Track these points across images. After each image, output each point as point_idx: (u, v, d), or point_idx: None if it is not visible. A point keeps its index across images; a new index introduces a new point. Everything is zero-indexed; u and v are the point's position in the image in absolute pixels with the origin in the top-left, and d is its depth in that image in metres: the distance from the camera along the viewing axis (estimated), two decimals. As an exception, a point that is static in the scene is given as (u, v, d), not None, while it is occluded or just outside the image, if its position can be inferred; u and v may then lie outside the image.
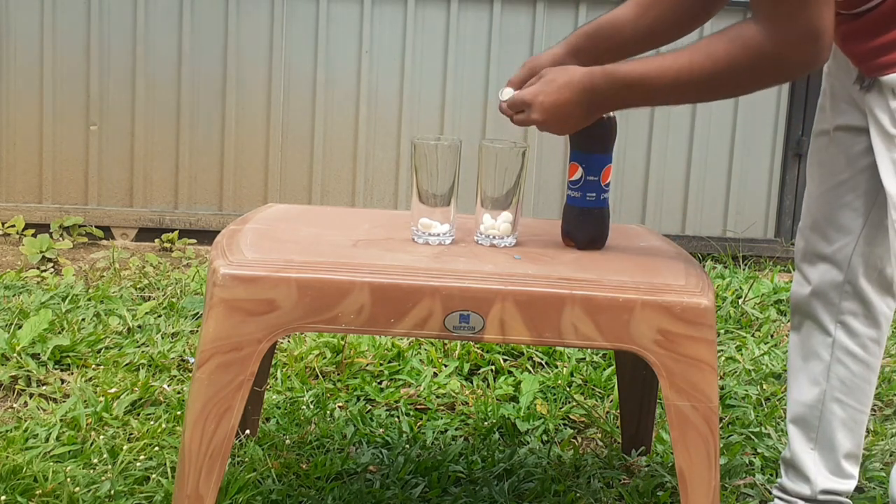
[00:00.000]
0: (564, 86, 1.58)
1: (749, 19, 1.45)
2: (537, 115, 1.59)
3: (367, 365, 2.62)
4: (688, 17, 1.78)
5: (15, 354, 2.53)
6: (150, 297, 3.17)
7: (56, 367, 2.55)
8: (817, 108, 1.84)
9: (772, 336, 3.08)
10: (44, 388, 2.42)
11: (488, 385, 2.58)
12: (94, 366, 2.56)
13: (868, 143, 1.68)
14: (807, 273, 1.86)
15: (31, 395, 2.39)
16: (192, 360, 2.60)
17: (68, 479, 1.93)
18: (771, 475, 2.18)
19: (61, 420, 2.21)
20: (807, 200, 1.86)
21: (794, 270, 1.91)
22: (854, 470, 1.91)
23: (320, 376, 2.56)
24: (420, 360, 2.66)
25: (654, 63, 1.52)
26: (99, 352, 2.65)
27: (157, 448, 2.09)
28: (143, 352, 2.63)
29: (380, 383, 2.56)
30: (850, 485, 1.91)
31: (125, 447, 2.08)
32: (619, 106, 1.61)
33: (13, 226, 3.87)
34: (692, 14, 1.77)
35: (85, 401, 2.30)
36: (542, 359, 2.72)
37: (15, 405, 2.35)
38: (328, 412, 2.35)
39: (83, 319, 2.87)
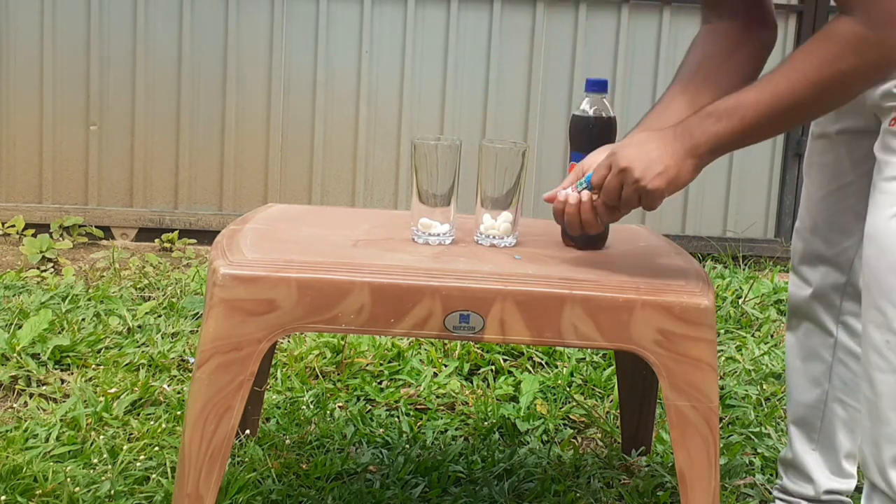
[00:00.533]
0: (656, 141, 1.44)
1: (836, 17, 1.36)
2: (638, 181, 1.43)
3: (367, 365, 2.62)
4: (738, 77, 1.63)
5: (15, 354, 2.53)
6: (150, 297, 3.17)
7: (56, 367, 2.54)
8: None
9: (772, 336, 3.08)
10: (44, 388, 2.42)
11: (488, 385, 2.58)
12: (94, 366, 2.56)
13: (871, 143, 1.67)
14: (806, 275, 1.85)
15: (31, 395, 2.39)
16: (192, 360, 2.60)
17: (68, 479, 1.93)
18: (771, 475, 2.18)
19: (61, 420, 2.21)
20: (806, 203, 1.84)
21: (791, 273, 1.90)
22: (853, 469, 1.91)
23: (320, 376, 2.56)
24: (420, 360, 2.66)
25: (746, 89, 1.41)
26: (99, 352, 2.65)
27: (157, 448, 2.09)
28: (143, 352, 2.63)
29: (380, 383, 2.56)
30: (850, 484, 1.91)
31: (125, 447, 2.08)
32: (717, 145, 1.43)
33: (13, 226, 3.87)
34: (741, 73, 1.64)
35: (85, 401, 2.30)
36: (542, 359, 2.72)
37: (15, 405, 2.35)
38: (328, 412, 2.35)
39: (83, 319, 2.87)
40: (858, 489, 1.98)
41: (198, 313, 2.96)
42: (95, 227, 3.94)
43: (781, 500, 1.96)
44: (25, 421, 2.21)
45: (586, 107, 1.70)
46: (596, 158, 1.58)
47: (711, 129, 1.43)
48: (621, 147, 1.49)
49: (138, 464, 2.02)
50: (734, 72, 1.65)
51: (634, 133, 1.58)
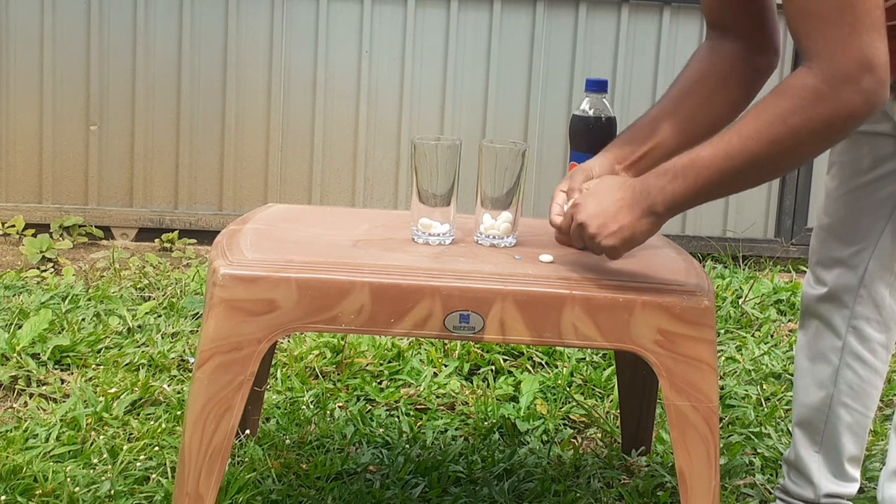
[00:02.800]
0: (616, 202, 1.44)
1: (796, 70, 1.32)
2: (598, 239, 1.44)
3: (367, 365, 2.62)
4: (728, 105, 1.64)
5: (15, 354, 2.53)
6: (150, 297, 3.17)
7: (56, 367, 2.55)
8: None
9: (772, 336, 3.08)
10: (44, 388, 2.42)
11: (488, 385, 2.58)
12: (94, 366, 2.56)
13: (894, 146, 1.67)
14: (821, 275, 1.84)
15: (31, 395, 2.39)
16: (192, 360, 2.60)
17: (68, 479, 1.93)
18: (771, 475, 2.18)
19: (61, 420, 2.21)
20: (825, 201, 1.83)
21: (808, 271, 1.89)
22: (857, 473, 1.91)
23: (320, 376, 2.56)
24: (420, 360, 2.66)
25: (703, 145, 1.37)
26: (99, 352, 2.65)
27: (157, 448, 2.09)
28: (143, 352, 2.63)
29: (380, 383, 2.56)
30: (852, 488, 1.91)
31: (125, 447, 2.08)
32: (674, 205, 1.41)
33: (13, 226, 3.87)
34: (732, 101, 1.64)
35: (85, 401, 2.30)
36: (542, 359, 2.72)
37: (15, 405, 2.35)
38: (328, 412, 2.35)
39: (83, 319, 2.87)
40: (859, 490, 1.99)
41: (198, 313, 2.96)
42: (95, 227, 3.94)
43: (782, 500, 1.96)
44: (25, 421, 2.22)
45: (586, 107, 1.71)
46: (593, 164, 1.59)
47: (668, 188, 1.39)
48: (585, 197, 1.48)
49: (138, 464, 2.02)
50: (726, 100, 1.63)
51: (615, 160, 1.59)
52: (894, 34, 1.57)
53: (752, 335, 3.08)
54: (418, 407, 2.44)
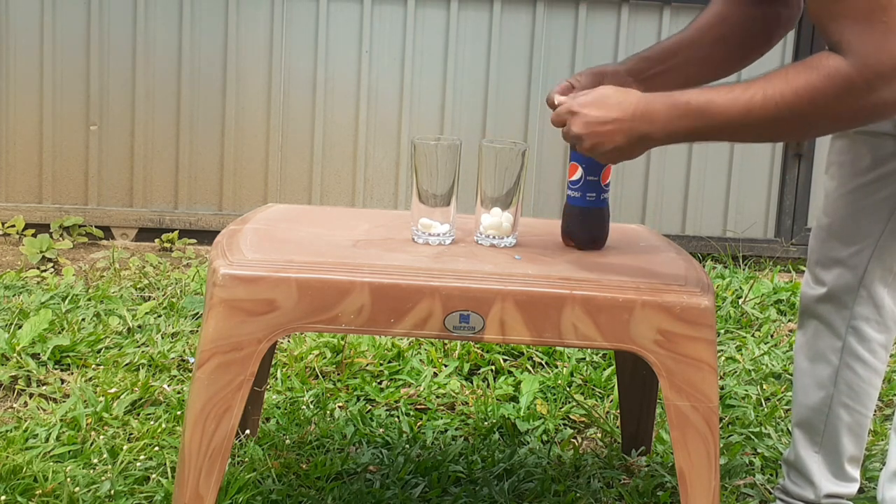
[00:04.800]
0: (616, 105, 1.44)
1: (829, 51, 1.32)
2: (577, 128, 1.46)
3: (367, 365, 2.62)
4: (748, 43, 1.68)
5: (15, 354, 2.53)
6: (150, 297, 3.17)
7: (56, 367, 2.55)
8: None
9: (772, 336, 3.08)
10: (44, 388, 2.42)
11: (488, 385, 2.58)
12: (94, 366, 2.56)
13: (894, 146, 1.67)
14: (820, 275, 1.84)
15: (31, 395, 2.39)
16: (192, 360, 2.60)
17: (68, 479, 1.93)
18: (771, 475, 2.18)
19: (61, 420, 2.21)
20: (824, 202, 1.83)
21: (806, 271, 1.89)
22: (856, 473, 1.91)
23: (320, 376, 2.56)
24: (420, 360, 2.66)
25: (721, 91, 1.37)
26: (99, 352, 2.65)
27: (157, 448, 2.09)
28: (143, 352, 2.63)
29: (380, 383, 2.56)
30: (852, 488, 1.91)
31: (125, 447, 2.08)
32: (672, 139, 1.42)
33: (13, 226, 3.87)
34: (752, 39, 1.68)
35: (85, 401, 2.30)
36: (542, 359, 2.72)
37: (15, 405, 2.35)
38: (328, 412, 2.35)
39: (83, 319, 2.87)
40: (859, 490, 1.99)
41: (198, 313, 2.96)
42: (95, 227, 3.94)
43: (782, 500, 1.96)
44: (25, 421, 2.22)
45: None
46: (607, 69, 1.64)
47: (673, 125, 1.40)
48: (592, 94, 1.48)
49: (138, 464, 2.02)
50: (745, 42, 1.67)
51: (631, 72, 1.64)
52: None
53: (752, 335, 3.08)
54: (418, 407, 2.44)
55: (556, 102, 1.57)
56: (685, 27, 1.73)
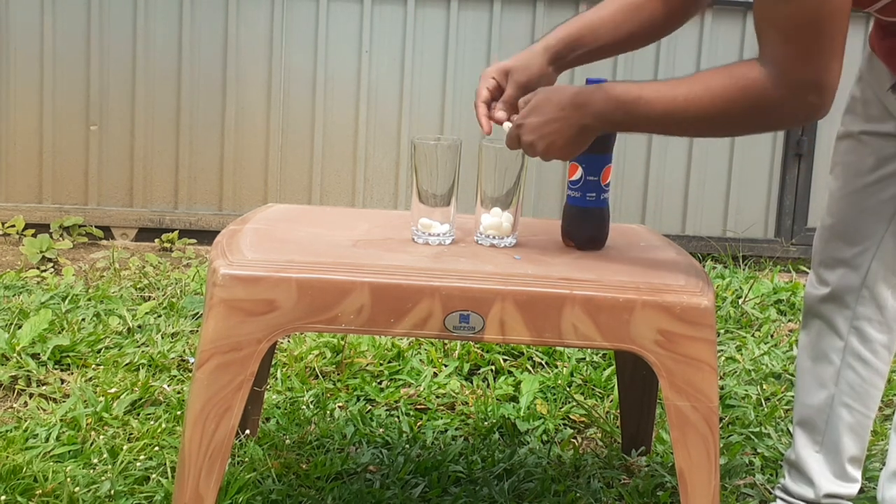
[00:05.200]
0: (554, 105, 1.52)
1: (754, 59, 1.39)
2: (527, 137, 1.54)
3: (367, 365, 2.62)
4: (666, 20, 1.74)
5: (15, 354, 2.53)
6: (150, 297, 3.17)
7: (56, 367, 2.54)
8: (844, 111, 1.81)
9: (772, 336, 3.08)
10: (44, 388, 2.42)
11: (488, 385, 2.58)
12: (94, 366, 2.56)
13: None
14: (824, 276, 1.84)
15: (31, 395, 2.39)
16: (192, 360, 2.60)
17: (68, 479, 1.93)
18: (771, 475, 2.18)
19: (61, 420, 2.21)
20: (828, 202, 1.83)
21: (811, 271, 1.89)
22: (857, 473, 1.91)
23: (320, 376, 2.56)
24: (420, 360, 2.66)
25: (650, 87, 1.46)
26: (99, 352, 2.65)
27: (157, 448, 2.09)
28: (143, 352, 2.63)
29: (380, 383, 2.56)
30: (853, 488, 1.91)
31: (125, 447, 2.08)
32: (612, 127, 1.54)
33: (13, 226, 3.87)
34: (671, 16, 1.73)
35: (85, 401, 2.30)
36: (542, 359, 2.72)
37: (15, 405, 2.35)
38: (328, 412, 2.35)
39: (83, 319, 2.87)
40: (861, 492, 1.98)
41: (198, 313, 2.96)
42: (95, 227, 3.95)
43: (782, 500, 1.96)
44: (25, 421, 2.21)
45: None
46: (529, 63, 1.71)
47: (608, 116, 1.48)
48: (527, 116, 1.55)
49: (138, 464, 2.02)
50: (649, 15, 1.72)
51: (552, 57, 1.72)
52: (892, 32, 1.57)
53: (752, 335, 3.08)
54: (418, 407, 2.44)
55: (504, 127, 1.64)
56: (600, 4, 1.77)
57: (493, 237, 1.65)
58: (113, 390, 2.37)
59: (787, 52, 1.34)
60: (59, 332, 2.73)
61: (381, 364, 2.63)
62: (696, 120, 1.42)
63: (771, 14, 1.35)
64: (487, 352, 2.72)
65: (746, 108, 1.38)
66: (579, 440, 2.32)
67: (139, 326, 2.86)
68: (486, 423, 2.34)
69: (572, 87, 1.54)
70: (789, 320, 3.25)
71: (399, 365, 2.63)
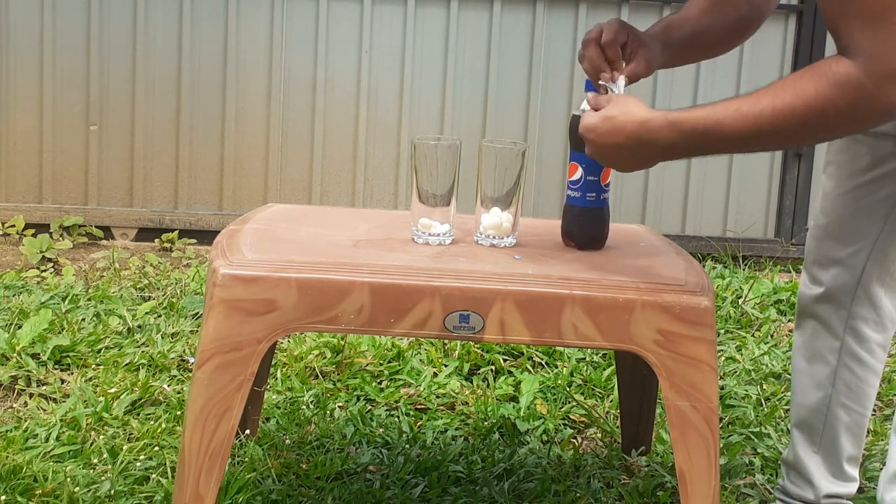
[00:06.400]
0: (618, 129, 1.47)
1: (837, 55, 1.31)
2: (592, 151, 1.52)
3: (367, 365, 2.62)
4: (741, 21, 1.75)
5: (15, 354, 2.53)
6: (150, 297, 3.17)
7: (56, 367, 2.54)
8: None
9: (772, 336, 3.08)
10: (44, 388, 2.42)
11: (488, 385, 2.58)
12: (94, 366, 2.56)
13: (893, 146, 1.66)
14: (818, 275, 1.83)
15: (31, 395, 2.39)
16: (192, 360, 2.60)
17: (68, 479, 1.93)
18: (771, 475, 2.18)
19: (61, 420, 2.21)
20: (822, 202, 1.83)
21: (803, 271, 1.88)
22: (855, 472, 1.91)
23: (320, 376, 2.56)
24: (420, 360, 2.66)
25: (729, 108, 1.37)
26: (99, 352, 2.65)
27: (157, 448, 2.09)
28: (143, 352, 2.63)
29: (380, 383, 2.56)
30: (852, 488, 1.91)
31: (125, 447, 2.08)
32: (681, 156, 1.46)
33: (13, 226, 3.87)
34: (745, 18, 1.74)
35: (85, 401, 2.30)
36: (542, 359, 2.72)
37: (15, 405, 2.35)
38: (328, 412, 2.35)
39: (83, 319, 2.87)
40: (859, 489, 1.99)
41: (198, 313, 2.96)
42: (95, 227, 3.94)
43: (782, 500, 1.95)
44: (25, 421, 2.21)
45: (586, 107, 1.70)
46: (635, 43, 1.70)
47: (678, 148, 1.42)
48: (606, 120, 1.48)
49: (138, 464, 2.02)
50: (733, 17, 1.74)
51: (661, 42, 1.70)
52: None
53: (752, 335, 3.08)
54: (418, 407, 2.44)
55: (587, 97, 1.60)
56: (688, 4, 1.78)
57: (493, 237, 1.65)
58: (113, 390, 2.37)
59: (873, 40, 1.26)
60: (59, 332, 2.73)
61: (381, 364, 2.63)
62: (788, 130, 1.33)
63: (842, 8, 1.29)
64: (487, 352, 2.72)
65: (848, 106, 1.28)
66: (579, 440, 2.32)
67: (139, 326, 2.86)
68: (486, 423, 2.34)
69: (640, 112, 1.46)
70: (789, 320, 3.25)
71: (399, 365, 2.63)
